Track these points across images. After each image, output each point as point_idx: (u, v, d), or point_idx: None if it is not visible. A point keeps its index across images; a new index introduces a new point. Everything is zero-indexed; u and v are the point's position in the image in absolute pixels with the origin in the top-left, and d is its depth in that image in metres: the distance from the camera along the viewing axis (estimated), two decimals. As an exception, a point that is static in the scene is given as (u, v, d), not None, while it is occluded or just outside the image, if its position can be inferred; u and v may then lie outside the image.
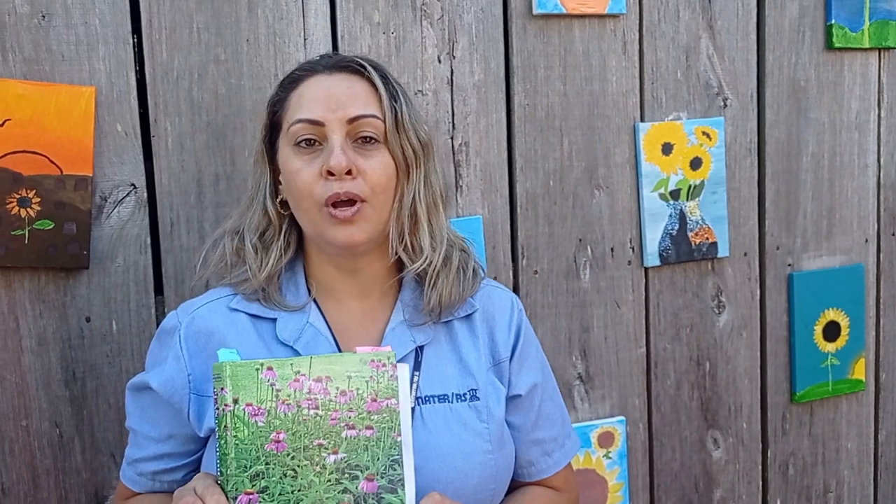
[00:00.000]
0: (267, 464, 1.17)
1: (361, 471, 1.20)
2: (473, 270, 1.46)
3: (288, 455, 1.17)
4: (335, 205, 1.32)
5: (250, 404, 1.17)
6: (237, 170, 1.72)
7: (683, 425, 2.14)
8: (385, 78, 1.39)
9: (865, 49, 2.21)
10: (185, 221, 1.70)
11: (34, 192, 1.57)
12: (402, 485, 1.21)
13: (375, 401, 1.22)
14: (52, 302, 1.64)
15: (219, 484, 1.18)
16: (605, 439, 2.03)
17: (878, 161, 2.28)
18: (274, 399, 1.18)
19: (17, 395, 1.63)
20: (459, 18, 1.85)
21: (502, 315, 1.48)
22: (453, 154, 1.86)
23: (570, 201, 1.98)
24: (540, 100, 1.93)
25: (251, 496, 1.15)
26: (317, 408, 1.19)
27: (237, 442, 1.16)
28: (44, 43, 1.58)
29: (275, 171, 1.43)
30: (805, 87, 2.17)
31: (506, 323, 1.48)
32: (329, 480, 1.18)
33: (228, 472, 1.17)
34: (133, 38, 1.65)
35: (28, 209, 1.57)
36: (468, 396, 1.39)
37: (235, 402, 1.16)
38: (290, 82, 1.41)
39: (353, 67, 1.39)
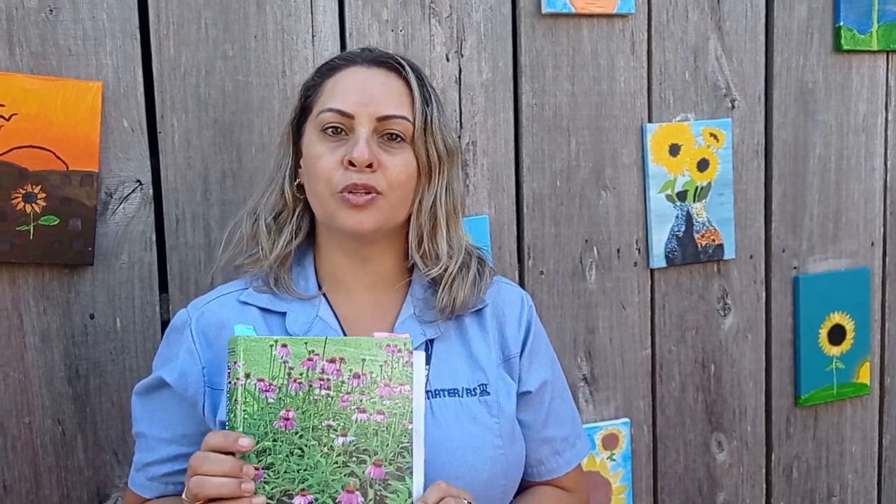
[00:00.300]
0: (274, 440, 1.16)
1: (369, 455, 1.18)
2: (487, 274, 1.47)
3: (296, 433, 1.17)
4: (350, 191, 1.32)
5: (262, 379, 1.16)
6: (244, 167, 1.71)
7: (688, 428, 2.13)
8: (421, 80, 1.40)
9: (874, 51, 2.20)
10: (191, 219, 1.69)
11: (40, 187, 1.56)
12: (410, 473, 1.20)
13: (388, 386, 1.20)
14: (56, 298, 1.62)
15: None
16: (610, 441, 2.02)
17: (885, 164, 2.27)
18: (286, 376, 1.17)
19: (19, 392, 1.62)
20: (468, 17, 1.84)
21: (512, 311, 1.48)
22: (460, 153, 1.85)
23: (576, 202, 1.97)
24: (548, 99, 1.92)
25: (256, 472, 1.14)
26: (328, 388, 1.18)
27: (246, 416, 1.15)
28: (51, 37, 1.57)
29: (297, 154, 1.43)
30: (813, 90, 2.16)
31: (516, 318, 1.48)
32: (336, 462, 1.17)
33: None
34: (140, 33, 1.64)
35: (33, 205, 1.56)
36: (478, 391, 1.39)
37: (247, 376, 1.16)
38: (328, 69, 1.42)
39: (392, 65, 1.39)
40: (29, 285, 1.61)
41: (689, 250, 2.06)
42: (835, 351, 2.24)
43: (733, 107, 2.08)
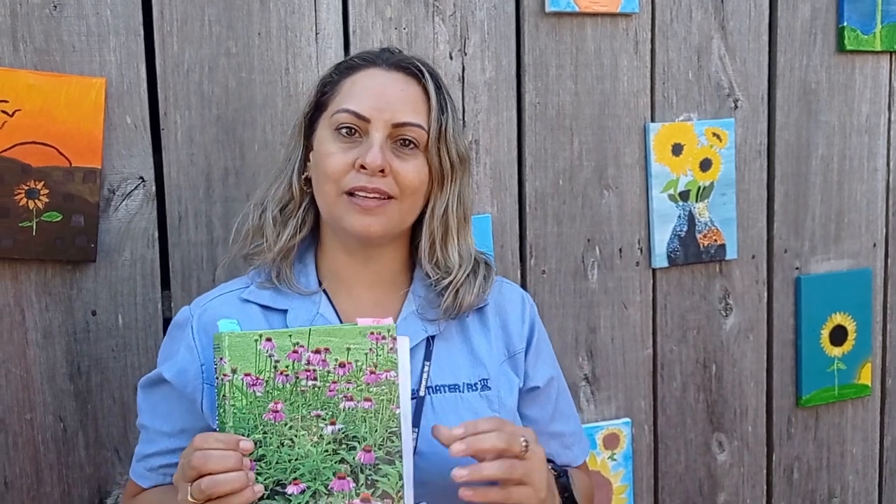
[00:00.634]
0: (265, 433, 1.18)
1: (359, 442, 1.21)
2: (492, 278, 1.47)
3: (285, 425, 1.19)
4: (357, 193, 1.32)
5: (249, 374, 1.18)
6: (246, 164, 1.71)
7: (689, 428, 2.13)
8: (438, 87, 1.40)
9: (877, 52, 2.20)
10: (194, 216, 1.69)
11: (42, 183, 1.56)
12: (400, 456, 1.22)
13: (374, 373, 1.22)
14: (59, 295, 1.62)
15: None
16: (611, 441, 2.02)
17: (888, 165, 2.27)
18: (272, 370, 1.19)
19: (21, 389, 1.62)
20: (472, 15, 1.84)
21: (514, 308, 1.49)
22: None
23: (579, 201, 1.97)
24: (551, 98, 1.92)
25: (249, 464, 1.15)
26: (315, 379, 1.20)
27: (235, 411, 1.17)
28: (55, 33, 1.57)
29: (307, 147, 1.43)
30: (816, 90, 2.16)
31: (518, 315, 1.49)
32: (326, 451, 1.20)
33: None
34: (143, 30, 1.64)
35: (36, 201, 1.56)
36: (479, 386, 1.40)
37: (234, 371, 1.18)
38: (347, 68, 1.41)
39: (412, 70, 1.39)
40: (31, 281, 1.60)
41: (691, 250, 2.06)
42: (836, 352, 2.24)
43: (736, 107, 2.08)
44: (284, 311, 1.39)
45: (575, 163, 1.95)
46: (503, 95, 1.89)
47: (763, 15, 2.09)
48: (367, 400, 1.22)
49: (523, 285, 1.94)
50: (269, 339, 1.19)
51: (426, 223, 1.40)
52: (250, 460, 1.15)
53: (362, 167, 1.32)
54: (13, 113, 1.53)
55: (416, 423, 1.33)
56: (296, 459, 1.18)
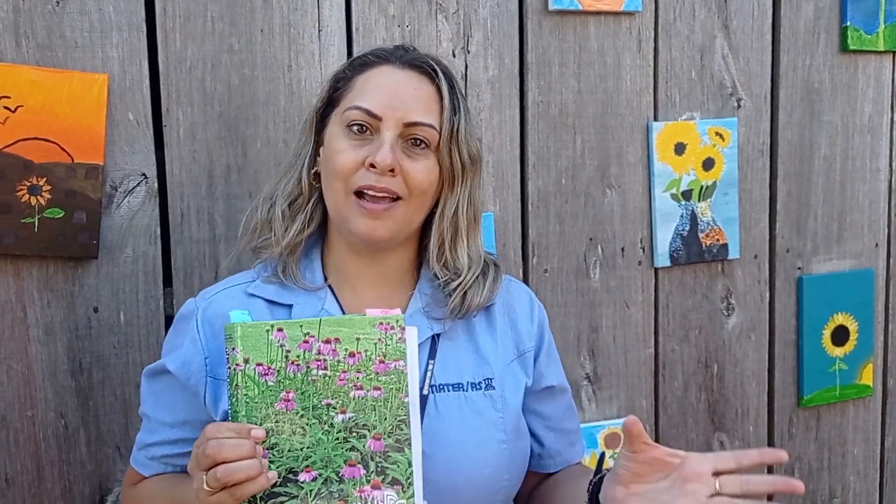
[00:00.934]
0: (277, 422, 1.20)
1: (369, 430, 1.23)
2: (500, 280, 1.47)
3: (297, 414, 1.21)
4: (366, 196, 1.32)
5: (260, 364, 1.20)
6: (249, 161, 1.71)
7: (690, 427, 2.13)
8: (452, 87, 1.39)
9: (880, 52, 2.20)
10: (196, 213, 1.69)
11: (45, 179, 1.56)
12: (409, 444, 1.24)
13: (383, 362, 1.25)
14: (60, 291, 1.62)
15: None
16: (612, 440, 2.02)
17: (891, 165, 2.27)
18: (283, 359, 1.21)
19: (23, 385, 1.62)
20: (475, 13, 1.84)
21: (523, 307, 1.50)
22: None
23: (581, 200, 1.96)
24: (554, 97, 1.92)
25: (261, 451, 1.17)
26: (325, 369, 1.22)
27: (247, 400, 1.19)
28: (57, 29, 1.57)
29: (318, 142, 1.43)
30: (819, 90, 2.16)
31: (527, 313, 1.49)
32: (337, 439, 1.22)
33: None
34: (146, 26, 1.64)
35: (38, 197, 1.56)
36: (483, 385, 1.40)
37: (246, 361, 1.19)
38: (360, 64, 1.41)
39: (425, 69, 1.39)
40: (33, 278, 1.60)
41: (694, 249, 2.06)
42: (838, 352, 2.23)
43: (739, 106, 2.08)
44: (290, 307, 1.40)
45: (577, 161, 1.95)
46: (506, 94, 1.88)
47: (766, 14, 2.09)
48: (376, 389, 1.24)
49: (525, 284, 1.93)
50: (280, 330, 1.21)
51: (436, 224, 1.40)
52: (263, 448, 1.17)
53: (372, 166, 1.32)
54: (15, 109, 1.53)
55: None
56: (307, 447, 1.20)
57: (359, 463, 1.22)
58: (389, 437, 1.23)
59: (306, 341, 1.22)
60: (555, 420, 1.51)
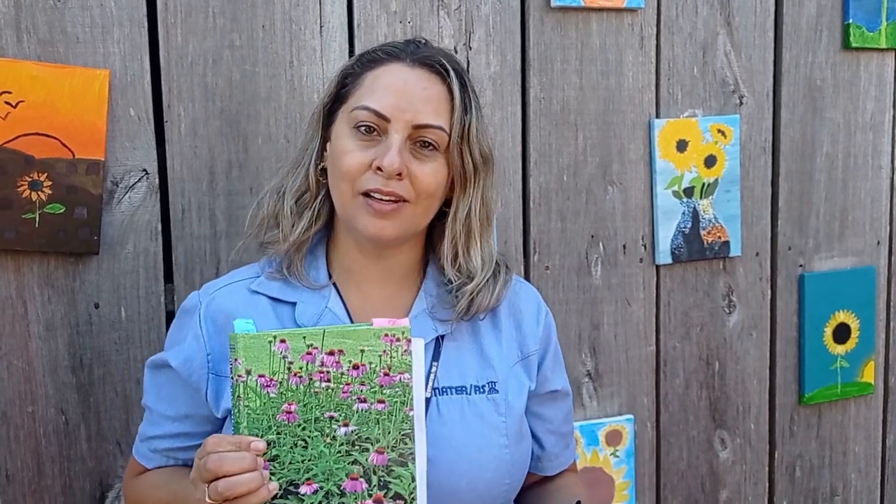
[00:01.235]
0: (278, 433, 1.18)
1: (372, 443, 1.21)
2: (510, 281, 1.46)
3: (299, 426, 1.19)
4: (373, 197, 1.31)
5: (263, 375, 1.18)
6: (250, 157, 1.70)
7: (691, 425, 2.13)
8: (463, 85, 1.36)
9: (882, 49, 2.20)
10: (197, 209, 1.68)
11: (46, 175, 1.55)
12: (413, 458, 1.22)
13: (388, 375, 1.22)
14: (61, 287, 1.62)
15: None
16: (613, 437, 2.02)
17: (893, 163, 2.26)
18: (286, 371, 1.19)
19: (23, 381, 1.61)
20: (477, 9, 1.83)
21: (529, 308, 1.48)
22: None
23: (583, 197, 1.96)
24: (555, 93, 1.92)
25: (262, 463, 1.16)
26: (329, 381, 1.20)
27: (249, 412, 1.17)
28: (59, 24, 1.56)
29: (325, 137, 1.41)
30: (821, 87, 2.16)
31: (533, 316, 1.48)
32: (339, 452, 1.20)
33: None
34: (147, 21, 1.63)
35: (39, 192, 1.55)
36: (487, 389, 1.38)
37: (248, 373, 1.18)
38: (370, 61, 1.38)
39: (436, 68, 1.35)
40: (34, 274, 1.60)
41: (695, 247, 2.06)
42: (839, 349, 2.23)
43: (741, 103, 2.07)
44: (293, 304, 1.38)
45: (579, 158, 1.95)
46: (508, 90, 1.88)
47: (769, 11, 2.08)
48: (380, 402, 1.22)
49: (526, 281, 1.93)
50: (283, 341, 1.19)
51: (448, 227, 1.38)
52: (264, 460, 1.16)
53: (379, 169, 1.29)
54: (16, 104, 1.52)
55: None
56: (309, 460, 1.19)
57: (361, 477, 1.20)
58: (393, 451, 1.21)
59: (309, 353, 1.20)
60: (556, 423, 1.50)
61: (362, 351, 1.22)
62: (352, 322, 1.38)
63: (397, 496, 1.21)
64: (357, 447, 1.20)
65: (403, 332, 1.23)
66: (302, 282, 1.39)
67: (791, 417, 2.22)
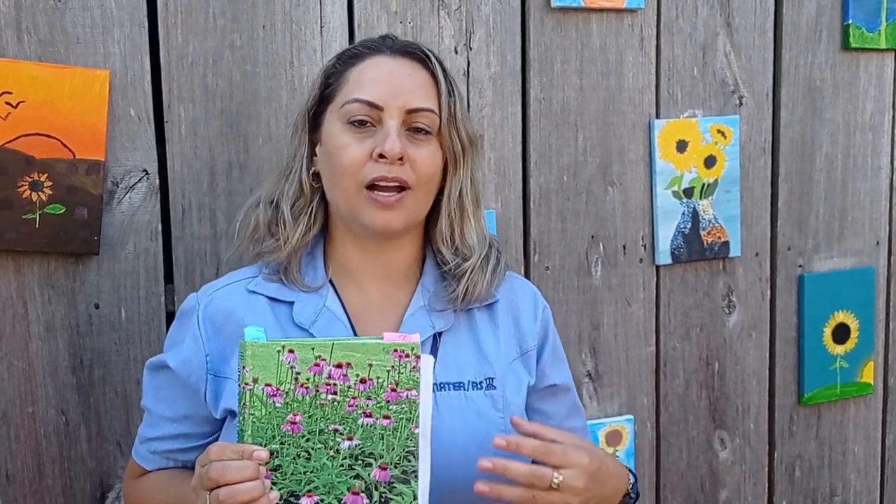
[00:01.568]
0: (282, 443, 1.17)
1: (375, 459, 1.20)
2: (503, 266, 1.48)
3: (303, 437, 1.18)
4: (378, 188, 1.32)
5: (269, 384, 1.17)
6: (251, 158, 1.70)
7: (691, 425, 2.13)
8: (444, 71, 1.39)
9: (882, 50, 2.20)
10: (197, 209, 1.68)
11: (46, 175, 1.55)
12: (416, 476, 1.21)
13: (395, 391, 1.21)
14: (61, 288, 1.62)
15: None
16: (613, 438, 2.02)
17: (892, 163, 2.27)
18: (293, 381, 1.18)
19: (23, 382, 1.61)
20: (477, 9, 1.83)
21: (527, 305, 1.49)
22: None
23: (583, 197, 1.96)
24: (556, 94, 1.92)
25: (264, 472, 1.16)
26: (335, 393, 1.19)
27: (254, 420, 1.17)
28: (59, 25, 1.56)
29: (312, 142, 1.41)
30: (820, 87, 2.16)
31: (531, 312, 1.49)
32: (342, 465, 1.19)
33: None
34: (148, 22, 1.63)
35: (40, 193, 1.55)
36: (484, 384, 1.39)
37: (255, 381, 1.17)
38: (351, 57, 1.40)
39: (418, 56, 1.39)
40: (34, 274, 1.60)
41: (695, 247, 2.06)
42: (839, 350, 2.23)
43: (741, 104, 2.08)
44: (291, 304, 1.39)
45: (579, 159, 1.95)
46: (508, 90, 1.88)
47: (768, 12, 2.09)
48: (385, 417, 1.20)
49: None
50: (291, 351, 1.18)
51: (444, 207, 1.40)
52: (266, 469, 1.16)
53: (381, 156, 1.31)
54: (17, 104, 1.52)
55: None
56: (311, 472, 1.18)
57: (362, 492, 1.19)
58: (396, 467, 1.20)
59: (317, 364, 1.19)
60: (558, 419, 1.50)
61: (370, 365, 1.20)
62: (349, 320, 1.38)
63: None
64: (360, 462, 1.19)
65: (413, 349, 1.22)
66: (298, 286, 1.39)
67: (790, 417, 2.22)
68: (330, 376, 1.19)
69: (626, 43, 1.96)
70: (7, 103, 1.52)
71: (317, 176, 1.40)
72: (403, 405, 1.21)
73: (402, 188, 1.33)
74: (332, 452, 1.18)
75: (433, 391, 1.35)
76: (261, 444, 1.16)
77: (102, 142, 1.59)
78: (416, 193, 1.35)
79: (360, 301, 1.41)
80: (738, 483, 2.19)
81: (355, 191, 1.33)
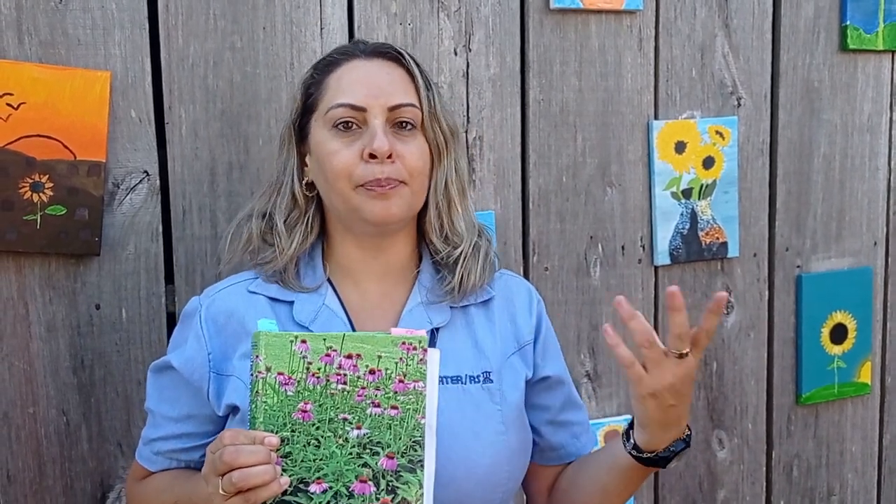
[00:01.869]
0: (293, 431, 1.20)
1: (382, 448, 1.22)
2: (493, 254, 1.51)
3: (313, 425, 1.21)
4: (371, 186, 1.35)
5: (282, 373, 1.20)
6: (251, 159, 1.71)
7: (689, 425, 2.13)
8: (419, 66, 1.42)
9: (879, 51, 2.21)
10: (198, 210, 1.69)
11: (47, 176, 1.56)
12: (422, 465, 1.24)
13: (403, 382, 1.24)
14: (62, 288, 1.62)
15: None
16: (612, 438, 2.02)
17: (889, 164, 2.27)
18: (304, 371, 1.21)
19: (24, 382, 1.62)
20: (476, 11, 1.84)
21: (522, 301, 1.51)
22: (467, 148, 1.85)
23: (582, 198, 1.97)
24: (555, 95, 1.92)
25: (275, 458, 1.18)
26: (345, 383, 1.22)
27: (266, 408, 1.19)
28: (60, 26, 1.57)
29: (300, 153, 1.44)
30: (818, 88, 2.16)
31: (526, 307, 1.50)
32: (350, 454, 1.21)
33: None
34: (149, 23, 1.64)
35: (41, 194, 1.56)
36: (481, 378, 1.41)
37: (268, 370, 1.20)
38: (327, 65, 1.43)
39: (392, 55, 1.42)
40: (35, 275, 1.60)
41: (694, 248, 2.06)
42: (836, 350, 2.24)
43: (739, 105, 2.08)
44: (290, 303, 1.41)
45: (578, 160, 1.96)
46: (507, 92, 1.88)
47: (767, 13, 2.09)
48: (393, 408, 1.23)
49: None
50: (303, 342, 1.21)
51: (431, 198, 1.43)
52: (277, 456, 1.18)
53: (371, 156, 1.33)
54: (18, 106, 1.53)
55: None
56: (320, 459, 1.20)
57: (370, 480, 1.21)
58: (403, 456, 1.23)
59: (328, 355, 1.22)
60: (553, 412, 1.51)
61: (379, 357, 1.23)
62: (348, 317, 1.41)
63: (404, 501, 1.22)
64: (368, 450, 1.22)
65: (420, 342, 1.25)
66: (296, 288, 1.42)
67: (788, 417, 2.23)
68: (340, 367, 1.22)
69: (625, 44, 1.97)
70: (8, 105, 1.52)
71: (310, 185, 1.43)
72: (411, 396, 1.24)
73: (397, 182, 1.36)
74: (341, 441, 1.21)
75: None
76: (272, 432, 1.18)
77: (103, 143, 1.59)
78: (411, 187, 1.37)
79: (358, 299, 1.43)
80: (736, 483, 2.20)
81: (351, 191, 1.35)
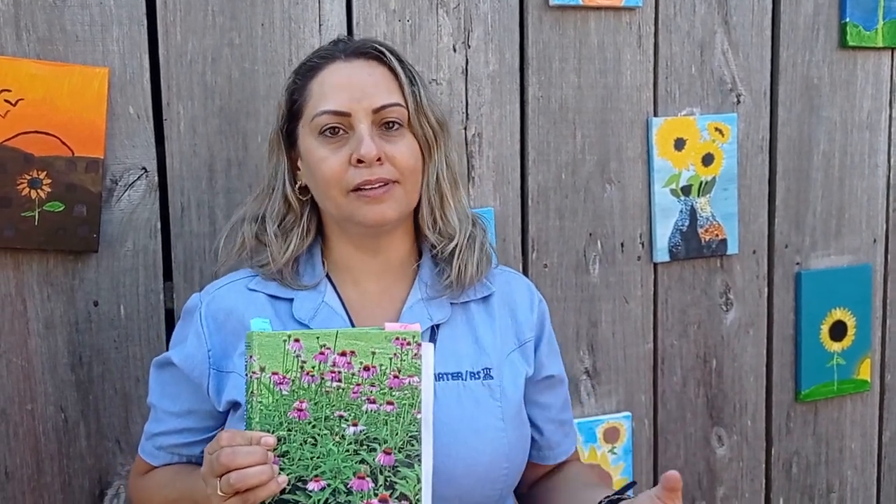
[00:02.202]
0: (289, 430, 1.20)
1: (379, 444, 1.23)
2: (489, 245, 1.51)
3: (309, 423, 1.21)
4: (363, 188, 1.35)
5: (276, 373, 1.21)
6: (249, 155, 1.71)
7: (689, 422, 2.13)
8: (402, 62, 1.41)
9: (879, 48, 2.20)
10: (196, 206, 1.69)
11: (45, 173, 1.55)
12: (419, 460, 1.24)
13: (398, 377, 1.24)
14: (60, 285, 1.62)
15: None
16: (611, 434, 2.03)
17: (889, 161, 2.27)
18: (299, 370, 1.21)
19: (22, 379, 1.61)
20: (475, 8, 1.84)
21: (522, 297, 1.51)
22: (466, 145, 1.85)
23: (581, 195, 1.97)
24: (554, 92, 1.92)
25: (272, 458, 1.18)
26: (340, 381, 1.22)
27: (262, 408, 1.20)
28: (58, 23, 1.57)
29: (291, 157, 1.44)
30: (818, 85, 2.16)
31: (527, 304, 1.51)
32: (347, 451, 1.22)
33: None
34: (147, 19, 1.64)
35: (38, 190, 1.55)
36: (482, 375, 1.41)
37: (262, 370, 1.20)
38: (308, 70, 1.42)
39: (372, 54, 1.41)
40: (33, 271, 1.60)
41: (693, 245, 2.06)
42: (836, 347, 2.24)
43: (739, 101, 2.08)
44: (290, 300, 1.41)
45: (577, 157, 1.95)
46: (506, 88, 1.88)
47: (766, 10, 2.09)
48: (389, 403, 1.24)
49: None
50: (297, 340, 1.22)
51: (423, 194, 1.42)
52: (274, 455, 1.18)
53: (359, 161, 1.33)
54: (16, 102, 1.53)
55: None
56: (318, 457, 1.21)
57: (368, 476, 1.22)
58: (400, 452, 1.23)
59: (322, 353, 1.22)
60: (554, 411, 1.53)
61: (373, 353, 1.24)
62: (347, 314, 1.41)
63: (403, 497, 1.23)
64: (365, 447, 1.22)
65: (414, 336, 1.26)
66: (295, 286, 1.42)
67: (788, 414, 2.23)
68: (334, 364, 1.22)
69: (624, 41, 1.97)
70: (6, 101, 1.52)
71: (304, 189, 1.43)
72: (406, 391, 1.24)
73: (389, 182, 1.36)
74: (337, 438, 1.22)
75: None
76: (268, 431, 1.19)
77: (101, 139, 1.59)
78: (404, 186, 1.37)
79: (358, 297, 1.43)
80: (736, 480, 2.20)
81: (343, 196, 1.36)
